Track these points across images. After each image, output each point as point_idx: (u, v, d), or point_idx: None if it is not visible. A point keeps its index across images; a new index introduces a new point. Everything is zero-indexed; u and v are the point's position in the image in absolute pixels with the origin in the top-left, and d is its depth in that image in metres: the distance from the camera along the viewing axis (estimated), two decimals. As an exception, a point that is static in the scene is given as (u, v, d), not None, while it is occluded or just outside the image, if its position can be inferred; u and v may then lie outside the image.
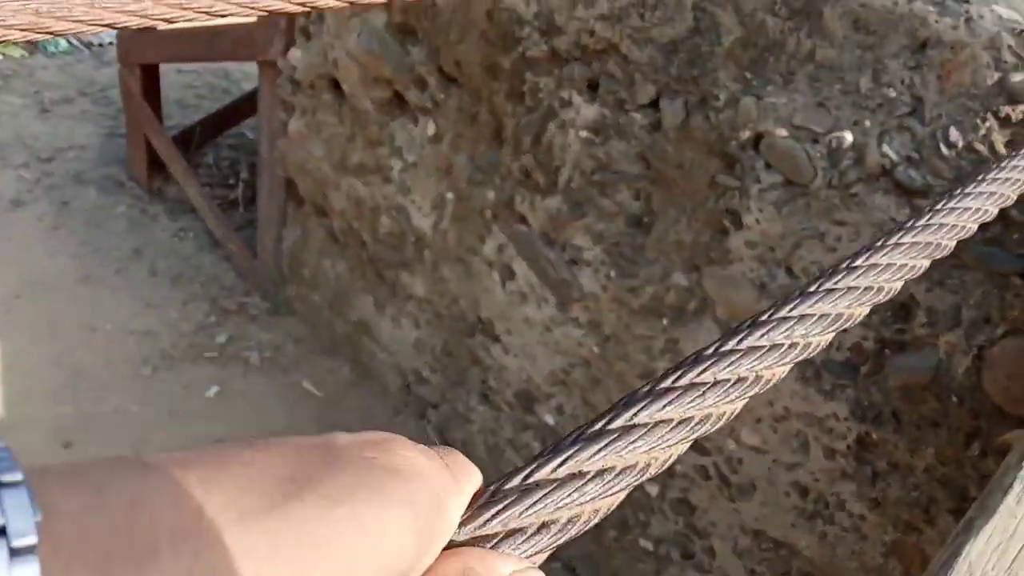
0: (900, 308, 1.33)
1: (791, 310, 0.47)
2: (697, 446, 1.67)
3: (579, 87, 1.62)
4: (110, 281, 2.91)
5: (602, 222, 1.70)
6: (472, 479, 0.28)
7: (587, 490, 0.30)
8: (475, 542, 0.27)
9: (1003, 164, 0.72)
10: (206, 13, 0.57)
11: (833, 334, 0.49)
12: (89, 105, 3.75)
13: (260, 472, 0.22)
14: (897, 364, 1.34)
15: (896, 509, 1.42)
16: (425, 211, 2.06)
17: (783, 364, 0.44)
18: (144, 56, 2.97)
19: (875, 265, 0.53)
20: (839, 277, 0.51)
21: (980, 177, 0.69)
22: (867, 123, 1.29)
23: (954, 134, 1.23)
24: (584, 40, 1.56)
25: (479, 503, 0.28)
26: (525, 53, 1.67)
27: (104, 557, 0.18)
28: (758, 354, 0.43)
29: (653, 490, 1.82)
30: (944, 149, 1.24)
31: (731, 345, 0.43)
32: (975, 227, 0.64)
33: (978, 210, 0.64)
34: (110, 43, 4.05)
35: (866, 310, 0.52)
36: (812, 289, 0.49)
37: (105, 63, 4.07)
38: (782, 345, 0.45)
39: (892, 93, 1.27)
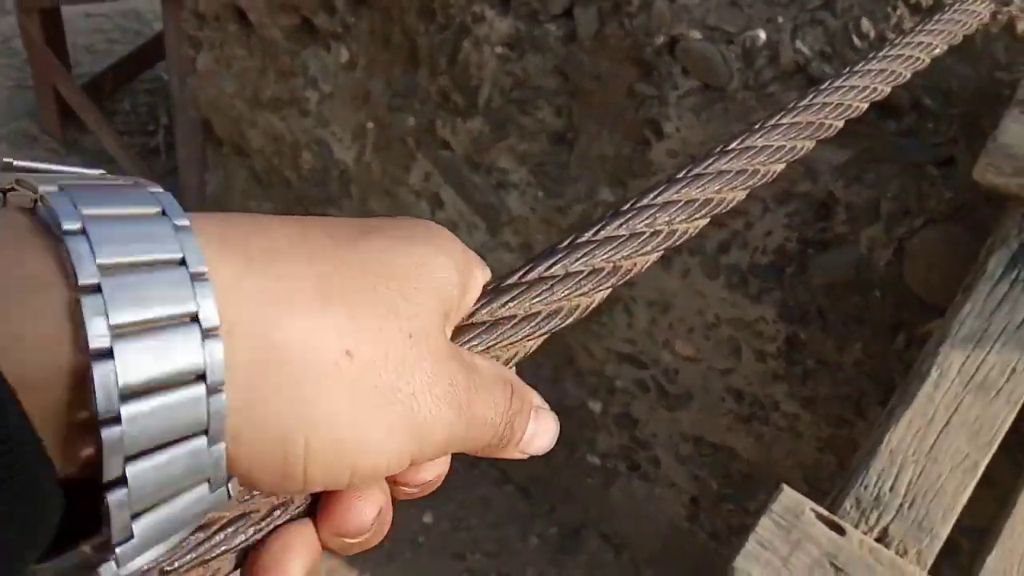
0: (820, 206, 1.32)
1: (655, 198, 0.45)
2: (633, 360, 1.68)
3: (490, 0, 1.55)
4: (32, 240, 2.79)
5: (525, 142, 1.65)
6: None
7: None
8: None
9: (896, 42, 0.69)
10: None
11: (705, 220, 0.47)
12: (-8, 57, 3.54)
13: (337, 224, 0.27)
14: (820, 263, 1.34)
15: (828, 406, 1.44)
16: (347, 143, 2.00)
17: (644, 254, 0.42)
18: (42, 0, 2.80)
19: (750, 148, 0.50)
20: (709, 161, 0.48)
21: (871, 56, 0.66)
22: (780, 19, 1.26)
23: (866, 24, 1.20)
24: (490, -51, 1.49)
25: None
26: (431, -33, 1.59)
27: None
28: (614, 244, 0.41)
29: (596, 407, 1.83)
30: (856, 41, 1.21)
31: (586, 237, 0.41)
32: (865, 106, 0.61)
33: (866, 88, 0.61)
34: (9, -11, 3.81)
35: (741, 194, 0.49)
36: (680, 175, 0.47)
37: (7, 11, 3.84)
38: (643, 233, 0.43)
39: (803, -15, 1.24)
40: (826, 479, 1.49)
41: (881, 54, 0.66)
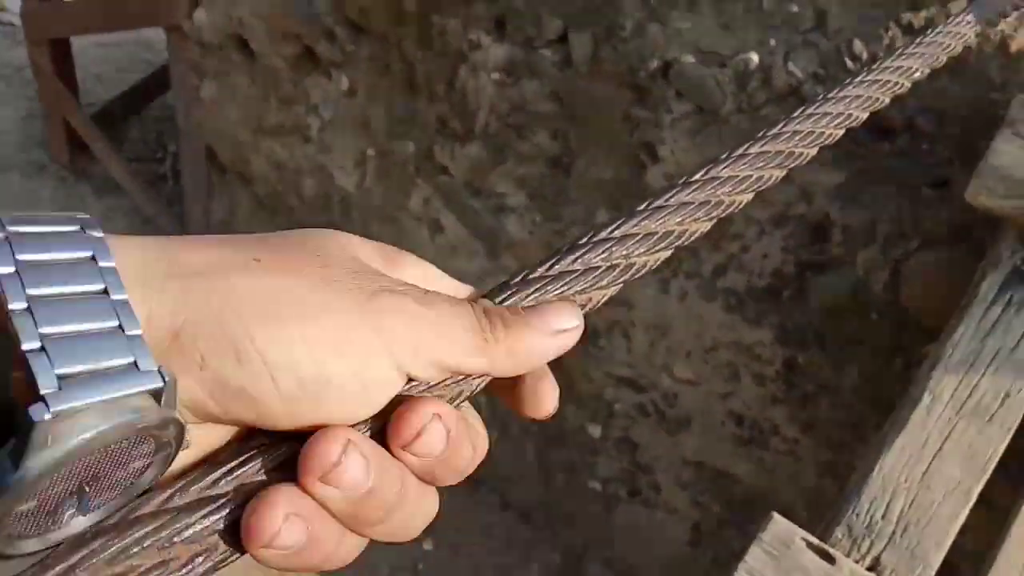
0: (816, 229, 1.31)
1: (612, 231, 0.44)
2: (632, 384, 1.66)
3: (486, 27, 1.57)
4: (41, 267, 2.81)
5: (523, 166, 1.66)
6: None
7: None
8: None
9: (875, 67, 0.69)
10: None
11: (667, 252, 0.47)
12: (3, 87, 3.59)
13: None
14: (817, 285, 1.34)
15: (827, 429, 1.43)
16: (348, 170, 2.01)
17: (600, 288, 0.42)
18: (51, 31, 2.84)
19: (714, 178, 0.50)
20: (671, 193, 0.48)
21: (847, 81, 0.66)
22: (772, 42, 1.26)
23: (858, 46, 1.20)
24: (484, -23, 1.51)
25: None
26: (428, -5, 1.61)
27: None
28: (567, 279, 0.41)
29: (596, 432, 1.82)
30: (849, 62, 1.21)
31: (539, 272, 0.41)
32: (840, 132, 0.61)
33: (840, 115, 0.61)
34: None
35: (705, 226, 0.49)
36: (640, 208, 0.46)
37: (18, 42, 3.89)
38: (598, 267, 0.42)
39: (795, 8, 1.24)
40: (827, 504, 1.47)
41: (858, 79, 0.66)
